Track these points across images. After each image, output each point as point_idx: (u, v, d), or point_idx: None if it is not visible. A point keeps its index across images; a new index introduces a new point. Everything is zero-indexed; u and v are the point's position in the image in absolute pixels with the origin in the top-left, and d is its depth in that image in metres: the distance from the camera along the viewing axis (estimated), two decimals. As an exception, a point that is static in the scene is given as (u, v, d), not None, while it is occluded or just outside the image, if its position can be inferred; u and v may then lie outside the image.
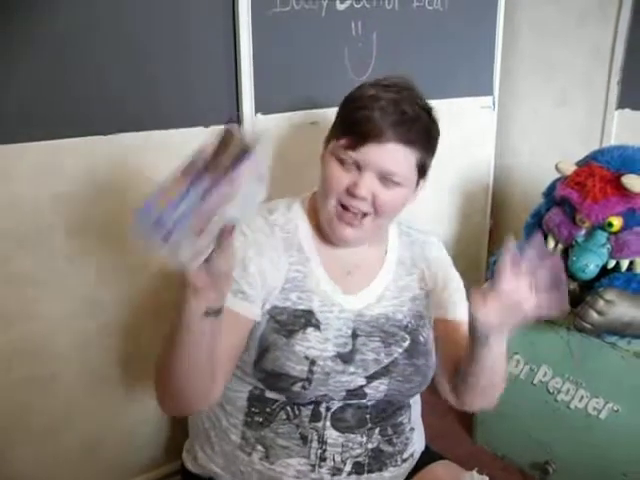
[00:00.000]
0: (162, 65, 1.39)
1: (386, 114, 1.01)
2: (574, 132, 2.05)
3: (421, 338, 1.16)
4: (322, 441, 1.10)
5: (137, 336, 1.52)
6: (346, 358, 1.09)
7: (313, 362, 1.06)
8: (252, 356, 1.08)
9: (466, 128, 2.06)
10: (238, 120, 1.53)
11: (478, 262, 2.27)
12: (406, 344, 1.14)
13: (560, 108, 2.08)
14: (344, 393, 1.09)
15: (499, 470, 1.79)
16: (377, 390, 1.11)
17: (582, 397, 1.60)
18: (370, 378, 1.10)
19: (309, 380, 1.06)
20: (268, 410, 1.10)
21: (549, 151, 2.10)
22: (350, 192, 1.04)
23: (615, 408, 1.54)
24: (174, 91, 1.42)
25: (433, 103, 1.92)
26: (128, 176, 1.41)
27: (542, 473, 1.74)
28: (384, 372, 1.11)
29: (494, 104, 2.11)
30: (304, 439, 1.10)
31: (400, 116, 1.02)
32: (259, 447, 1.11)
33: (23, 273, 1.33)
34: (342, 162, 1.05)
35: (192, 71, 1.43)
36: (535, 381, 1.70)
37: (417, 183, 1.13)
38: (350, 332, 1.10)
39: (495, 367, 1.06)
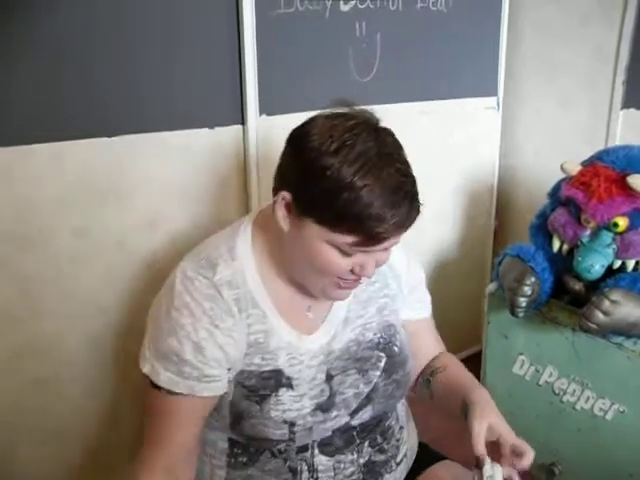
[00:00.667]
0: (166, 67, 1.39)
1: (398, 208, 0.90)
2: (578, 132, 2.04)
3: (395, 349, 1.12)
4: (313, 469, 1.06)
5: (140, 336, 1.52)
6: (326, 406, 1.04)
7: (293, 424, 1.01)
8: (226, 419, 1.04)
9: (470, 129, 2.06)
10: (242, 121, 1.53)
11: (483, 263, 2.27)
12: (382, 363, 1.10)
13: (564, 108, 2.08)
14: (330, 433, 1.06)
15: (505, 471, 1.78)
16: (362, 418, 1.08)
17: (588, 398, 1.59)
18: (354, 413, 1.07)
19: (292, 439, 1.02)
20: (252, 450, 1.06)
21: (554, 151, 2.10)
22: (356, 273, 0.97)
23: (621, 409, 1.53)
24: (178, 92, 1.42)
25: (437, 104, 1.94)
26: (132, 178, 1.42)
27: (548, 474, 1.73)
28: (366, 402, 1.08)
29: (498, 105, 2.11)
30: (293, 472, 1.06)
31: (409, 205, 0.92)
32: None
33: (27, 274, 1.33)
34: (344, 252, 0.94)
35: (196, 73, 1.44)
36: (540, 382, 1.70)
37: None
38: (324, 376, 1.05)
39: None
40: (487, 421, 1.00)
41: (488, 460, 0.97)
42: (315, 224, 0.93)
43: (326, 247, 0.94)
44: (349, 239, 0.91)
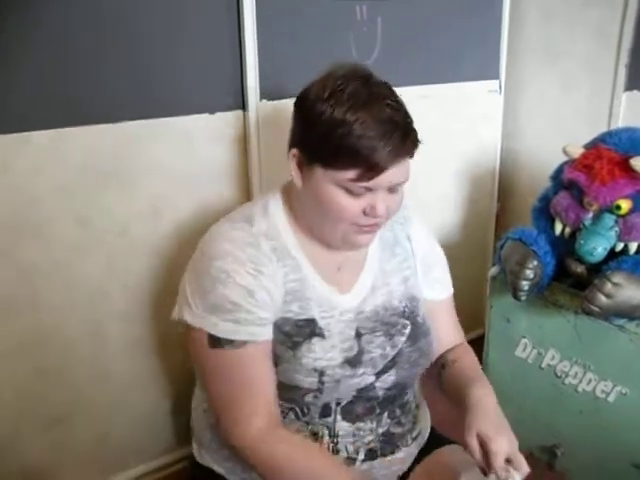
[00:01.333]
0: (167, 52, 1.39)
1: (390, 136, 0.96)
2: (581, 115, 2.03)
3: (419, 319, 1.17)
4: (333, 434, 1.10)
5: (144, 323, 1.53)
6: (354, 361, 1.08)
7: (322, 373, 1.05)
8: None
9: (473, 112, 2.05)
10: (243, 107, 1.53)
11: (485, 247, 2.27)
12: (407, 330, 1.14)
13: (566, 91, 2.07)
14: (354, 392, 1.09)
15: (507, 453, 1.79)
16: (385, 382, 1.11)
17: (590, 380, 1.60)
18: (379, 374, 1.10)
19: (320, 390, 1.06)
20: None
21: (556, 134, 2.09)
22: (368, 214, 1.01)
23: (623, 391, 1.54)
24: (179, 78, 1.42)
25: (439, 87, 1.93)
26: (134, 164, 1.41)
27: (550, 456, 1.75)
28: (391, 364, 1.11)
29: (500, 88, 2.09)
30: (315, 435, 1.10)
31: (402, 133, 0.97)
32: None
33: (29, 264, 1.34)
34: (351, 191, 0.99)
35: (197, 58, 1.43)
36: (543, 365, 1.70)
37: None
38: (353, 333, 1.09)
39: None
40: (475, 429, 1.00)
41: (504, 467, 0.98)
42: (321, 168, 0.99)
43: (334, 190, 0.99)
44: (351, 174, 0.97)
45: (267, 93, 1.54)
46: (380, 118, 0.96)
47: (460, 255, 2.19)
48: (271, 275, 1.04)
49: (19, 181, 1.28)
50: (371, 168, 0.96)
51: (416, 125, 1.02)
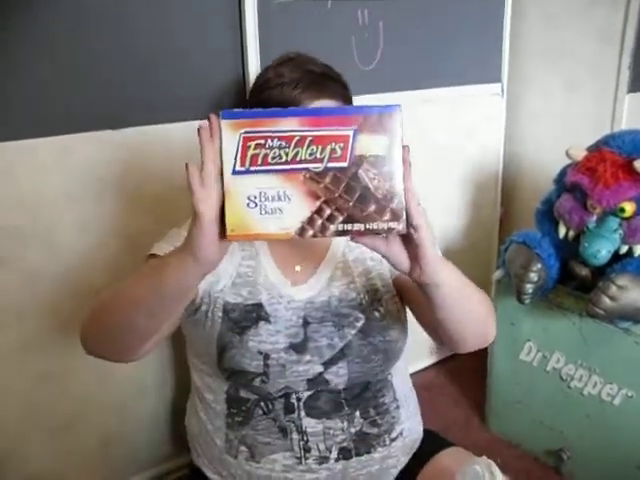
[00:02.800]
0: (170, 59, 1.39)
1: (301, 80, 1.02)
2: (584, 117, 2.03)
3: (376, 314, 1.13)
4: (301, 431, 1.10)
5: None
6: (299, 348, 1.08)
7: (267, 356, 1.06)
8: (213, 356, 1.09)
9: (475, 116, 2.05)
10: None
11: (489, 251, 2.27)
12: (360, 324, 1.11)
13: (569, 93, 2.07)
14: (305, 383, 1.09)
15: (513, 458, 1.79)
16: (337, 375, 1.10)
17: (596, 383, 1.60)
18: (327, 364, 1.09)
19: (266, 374, 1.07)
20: (244, 408, 1.12)
21: (559, 137, 2.08)
22: None
23: (629, 394, 1.53)
24: (181, 84, 1.42)
25: (441, 91, 1.93)
26: (136, 170, 1.42)
27: (557, 460, 1.74)
28: (340, 356, 1.10)
29: (503, 91, 2.09)
30: (283, 432, 1.11)
31: (315, 76, 1.03)
32: (242, 448, 1.12)
33: (33, 269, 1.34)
34: None
35: (200, 64, 1.44)
36: (548, 368, 1.70)
37: None
38: (301, 321, 1.10)
39: (458, 301, 0.98)
40: None
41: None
42: None
43: None
44: None
45: (269, 99, 1.54)
46: (294, 67, 1.03)
47: (464, 260, 2.17)
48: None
49: (24, 187, 1.29)
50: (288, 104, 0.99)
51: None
